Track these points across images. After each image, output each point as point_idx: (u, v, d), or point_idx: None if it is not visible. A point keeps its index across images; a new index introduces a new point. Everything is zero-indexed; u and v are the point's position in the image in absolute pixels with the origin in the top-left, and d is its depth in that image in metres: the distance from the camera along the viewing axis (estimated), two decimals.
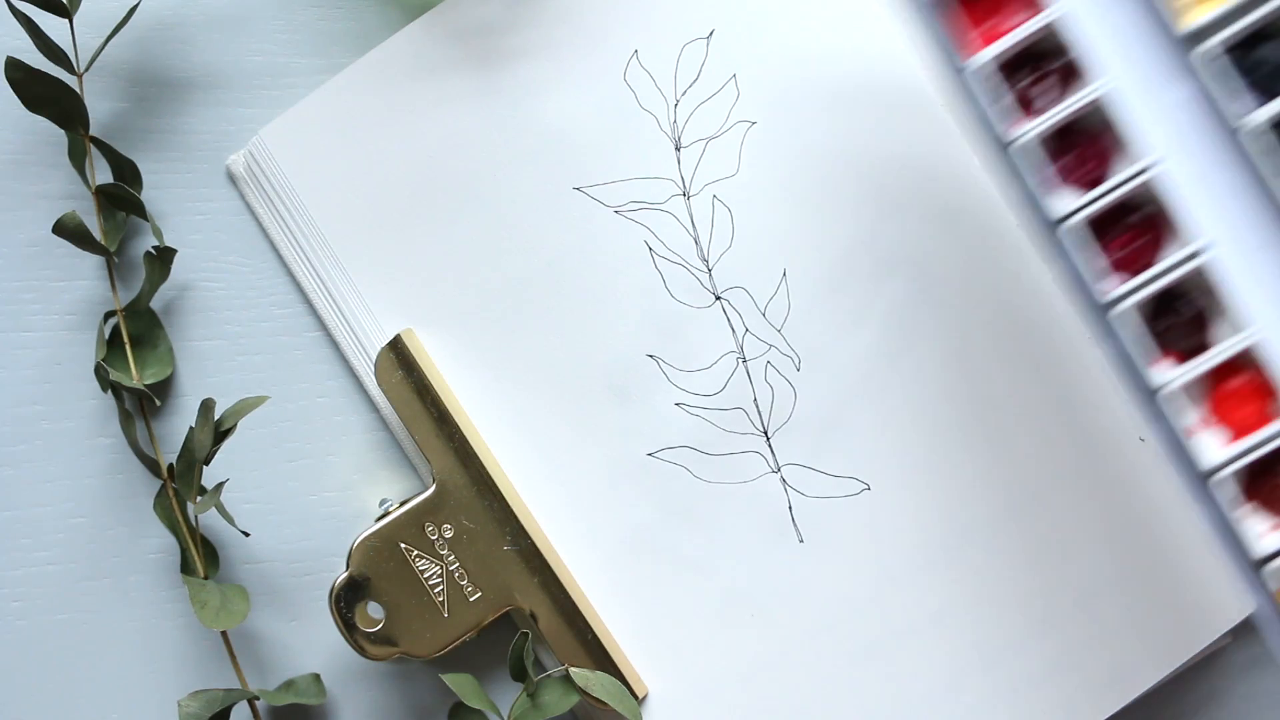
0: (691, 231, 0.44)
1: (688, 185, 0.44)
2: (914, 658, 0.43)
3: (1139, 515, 0.44)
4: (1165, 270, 0.33)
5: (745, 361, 0.44)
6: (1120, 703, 0.43)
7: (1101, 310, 0.34)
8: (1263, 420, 0.33)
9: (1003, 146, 0.34)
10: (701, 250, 0.44)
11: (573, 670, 0.42)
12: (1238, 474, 0.33)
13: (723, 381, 0.44)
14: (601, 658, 0.43)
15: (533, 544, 0.43)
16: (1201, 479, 0.34)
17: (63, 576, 0.45)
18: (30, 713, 0.44)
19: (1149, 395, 0.34)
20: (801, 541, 0.44)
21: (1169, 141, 0.33)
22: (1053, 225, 0.34)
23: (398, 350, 0.43)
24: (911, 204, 0.44)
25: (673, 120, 0.44)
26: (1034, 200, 0.34)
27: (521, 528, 0.43)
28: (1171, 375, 0.33)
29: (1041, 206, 0.34)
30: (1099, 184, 0.34)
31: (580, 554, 0.44)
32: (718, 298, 0.44)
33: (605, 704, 0.42)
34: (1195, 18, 0.33)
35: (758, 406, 0.44)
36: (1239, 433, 0.34)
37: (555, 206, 0.44)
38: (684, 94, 0.44)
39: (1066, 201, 0.34)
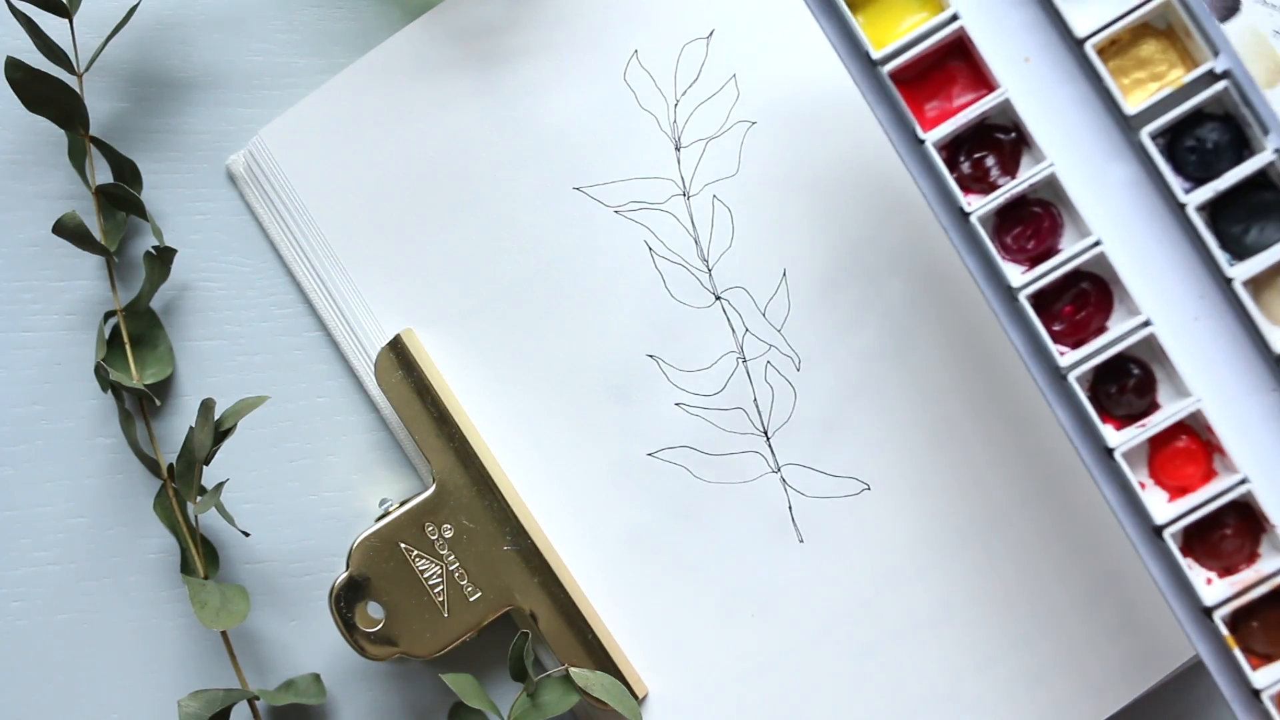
0: (691, 231, 0.44)
1: (688, 185, 0.44)
2: (913, 658, 0.43)
3: None
4: (1110, 342, 0.35)
5: (745, 361, 0.44)
6: (1120, 702, 0.43)
7: (1052, 378, 0.35)
8: (1203, 480, 0.35)
9: (963, 216, 0.35)
10: (701, 250, 0.44)
11: (573, 670, 0.42)
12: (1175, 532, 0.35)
13: (723, 381, 0.44)
14: (601, 658, 0.43)
15: (533, 544, 0.43)
16: (1154, 534, 0.35)
17: (63, 576, 0.45)
18: (30, 713, 0.44)
19: (1103, 456, 0.35)
20: (801, 541, 0.44)
21: (1112, 218, 0.35)
22: (1008, 294, 0.35)
23: (398, 350, 0.43)
24: (911, 204, 0.44)
25: (673, 120, 0.44)
26: (991, 269, 0.36)
27: (521, 528, 0.43)
28: (1122, 439, 0.35)
29: (1001, 276, 0.35)
30: (1048, 256, 0.35)
31: (580, 554, 0.44)
32: (718, 298, 0.44)
33: (605, 704, 0.42)
34: (1140, 100, 0.35)
35: (758, 406, 0.44)
36: (1178, 492, 0.36)
37: (555, 206, 0.44)
38: (684, 94, 0.44)
39: (1017, 273, 0.36)
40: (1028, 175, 0.35)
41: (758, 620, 0.44)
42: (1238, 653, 0.34)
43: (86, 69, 0.44)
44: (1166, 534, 0.35)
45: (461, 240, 0.44)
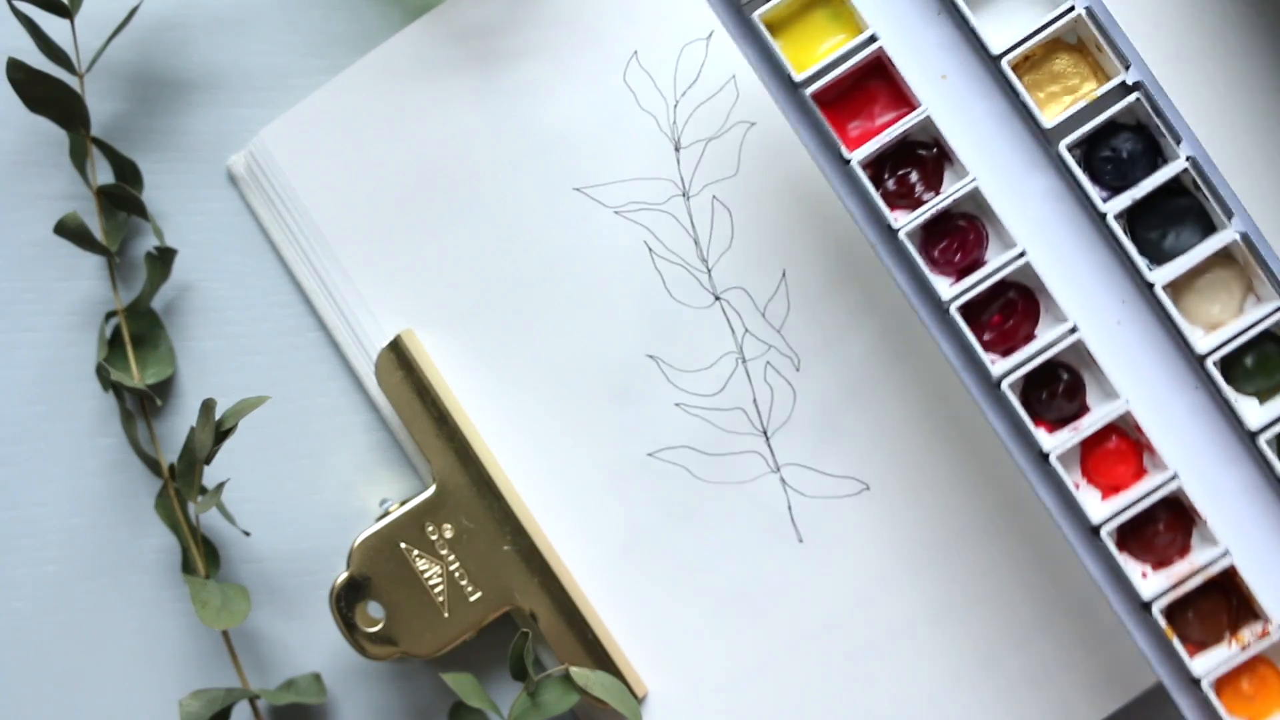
0: (691, 232, 0.44)
1: (687, 185, 0.44)
2: (913, 657, 0.43)
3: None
4: (1040, 350, 0.36)
5: (745, 361, 0.44)
6: (1120, 702, 0.43)
7: (985, 386, 0.37)
8: (1135, 478, 0.37)
9: (891, 233, 0.37)
10: (701, 250, 0.44)
11: (573, 670, 0.42)
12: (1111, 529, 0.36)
13: (722, 381, 0.44)
14: (601, 658, 0.43)
15: (533, 544, 0.43)
16: (1091, 533, 0.36)
17: (63, 576, 0.45)
18: (30, 713, 0.44)
19: (1038, 461, 0.36)
20: (801, 541, 0.44)
21: (1034, 228, 0.36)
22: (938, 307, 0.37)
23: (398, 351, 0.43)
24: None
25: (672, 121, 0.44)
26: (921, 283, 0.37)
27: (521, 528, 0.43)
28: (1055, 442, 0.36)
29: (931, 289, 0.37)
30: (974, 268, 0.36)
31: (580, 554, 0.44)
32: (717, 298, 0.44)
33: (605, 704, 0.42)
34: (1055, 114, 0.36)
35: (757, 406, 0.44)
36: (1110, 491, 0.37)
37: (555, 207, 0.44)
38: (683, 95, 0.44)
39: (946, 286, 0.37)
40: (951, 190, 0.36)
41: (758, 620, 0.44)
42: (1176, 643, 0.36)
43: (88, 69, 0.44)
44: (1103, 532, 0.36)
45: (462, 241, 0.44)
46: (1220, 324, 0.36)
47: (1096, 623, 0.43)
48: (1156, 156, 0.36)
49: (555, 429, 0.44)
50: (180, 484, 0.43)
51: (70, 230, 0.42)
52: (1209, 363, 0.36)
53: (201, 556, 0.44)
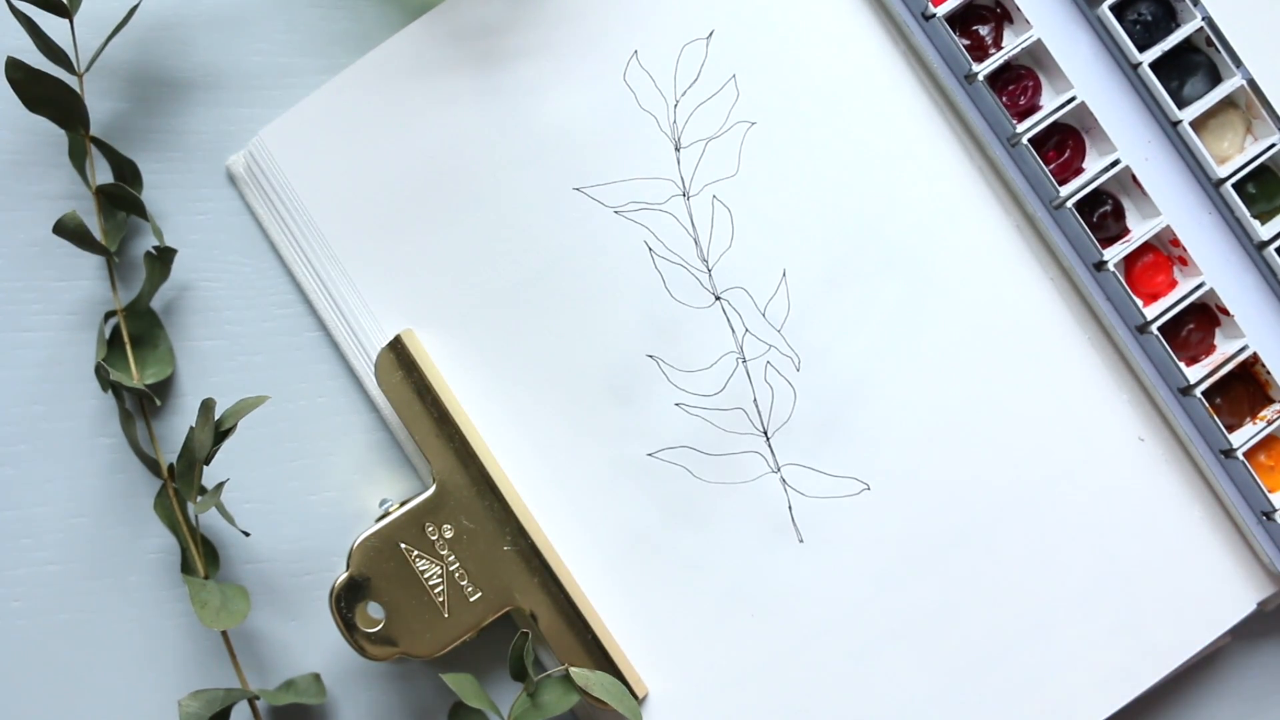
0: (691, 232, 0.44)
1: (687, 185, 0.44)
2: (914, 658, 0.43)
3: (1137, 515, 0.44)
4: (1095, 176, 0.43)
5: (745, 361, 0.44)
6: (1120, 702, 0.43)
7: (1049, 208, 0.43)
8: (1169, 287, 0.44)
9: (971, 78, 0.43)
10: (701, 250, 0.44)
11: (573, 670, 0.42)
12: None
13: (723, 381, 0.44)
14: (601, 658, 0.43)
15: (533, 544, 0.43)
16: (1140, 330, 0.43)
17: (63, 576, 0.45)
18: (30, 713, 0.44)
19: (1095, 269, 0.43)
20: (801, 541, 0.44)
21: (1080, 78, 0.44)
22: (1010, 140, 0.43)
23: (398, 350, 0.43)
24: (911, 203, 0.44)
25: (673, 120, 0.44)
26: (995, 120, 0.43)
27: (521, 528, 0.43)
28: (1111, 253, 0.43)
29: (1005, 124, 0.43)
30: (1032, 112, 0.43)
31: (580, 554, 0.44)
32: (718, 298, 0.44)
33: (605, 704, 0.42)
34: None
35: (758, 406, 0.44)
36: (1149, 299, 0.43)
37: (555, 207, 0.44)
38: (684, 94, 0.44)
39: (1015, 125, 0.43)
40: (1019, 41, 0.43)
41: (757, 620, 0.44)
42: (1215, 419, 0.42)
43: (87, 69, 0.44)
44: (1153, 328, 0.43)
45: (462, 240, 0.44)
46: (1228, 158, 0.43)
47: (1096, 623, 0.43)
48: (1172, 21, 0.43)
49: (555, 429, 0.44)
50: (180, 484, 0.43)
51: (69, 230, 0.42)
52: (1226, 186, 0.43)
53: (201, 557, 0.44)
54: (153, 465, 0.45)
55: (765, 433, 0.44)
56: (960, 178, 0.44)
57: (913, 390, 0.44)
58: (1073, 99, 0.43)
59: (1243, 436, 0.43)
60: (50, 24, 0.44)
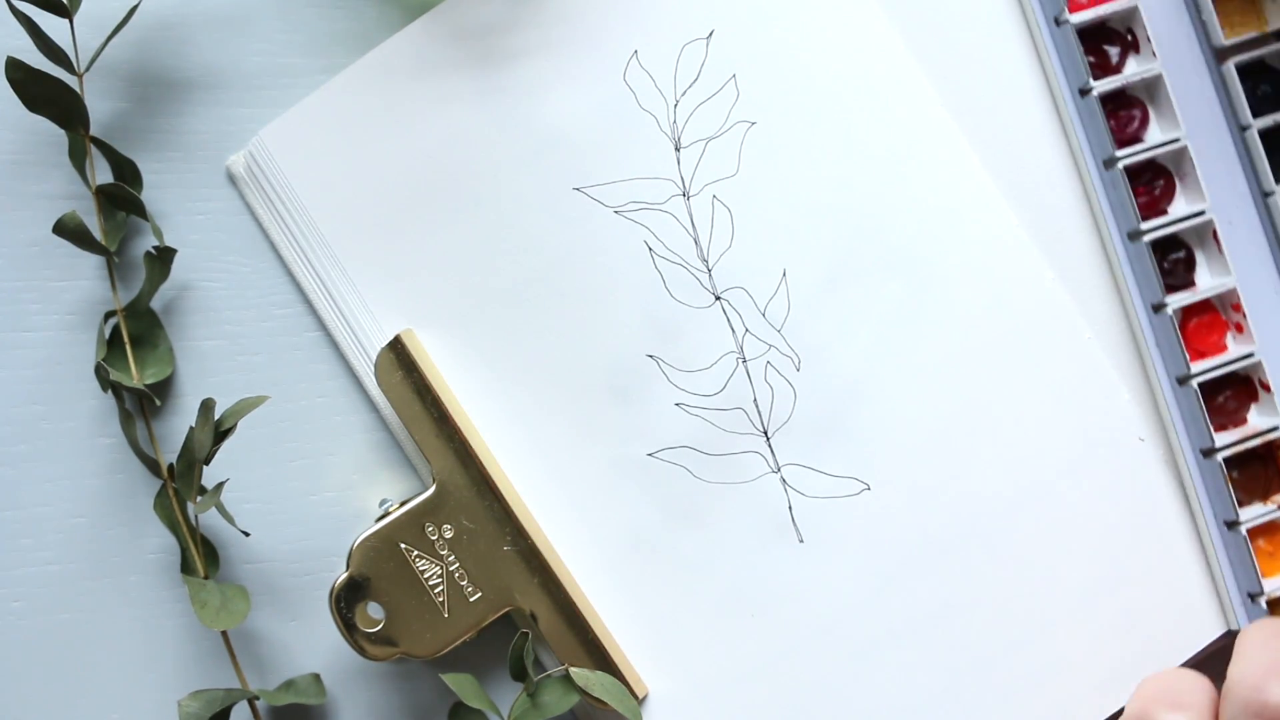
0: (691, 231, 0.44)
1: (687, 185, 0.44)
2: (914, 658, 0.43)
3: (1137, 515, 0.44)
4: (1176, 219, 0.43)
5: (745, 361, 0.44)
6: (1120, 702, 0.43)
7: (1127, 239, 0.44)
8: (1217, 350, 0.44)
9: (1083, 93, 0.44)
10: (701, 250, 0.44)
11: (573, 670, 0.42)
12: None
13: (723, 381, 0.44)
14: (601, 658, 0.43)
15: (533, 544, 0.43)
16: (1181, 381, 0.43)
17: (63, 576, 0.45)
18: (30, 713, 0.44)
19: (1155, 310, 0.44)
20: (801, 541, 0.44)
21: (1190, 123, 0.44)
22: (1108, 163, 0.44)
23: (398, 350, 0.43)
24: (911, 204, 0.44)
25: (672, 120, 0.44)
26: (1098, 137, 0.44)
27: (521, 528, 0.43)
28: (1174, 300, 0.43)
29: (1107, 145, 0.43)
30: (1134, 143, 0.44)
31: (580, 554, 0.44)
32: (718, 298, 0.44)
33: (605, 704, 0.42)
34: (1232, 35, 0.44)
35: (758, 406, 0.44)
36: (1197, 355, 0.44)
37: (555, 207, 0.44)
38: (684, 94, 0.44)
39: (1116, 149, 0.44)
40: (1144, 69, 0.43)
41: (758, 620, 0.44)
42: (1229, 488, 0.43)
43: (87, 69, 0.44)
44: (1193, 381, 0.43)
45: (462, 240, 0.44)
46: None
47: (1097, 623, 0.43)
48: None
49: (555, 429, 0.44)
50: (179, 484, 0.43)
51: (69, 230, 0.42)
52: None
53: (201, 557, 0.44)
54: (153, 465, 0.45)
55: (765, 433, 0.44)
56: (961, 178, 0.44)
57: (913, 390, 0.44)
58: (1178, 140, 0.43)
59: (1252, 513, 0.43)
60: (50, 24, 0.44)
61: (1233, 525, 0.43)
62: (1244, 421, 0.44)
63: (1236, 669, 0.38)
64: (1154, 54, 0.43)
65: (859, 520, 0.44)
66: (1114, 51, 0.44)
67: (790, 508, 0.44)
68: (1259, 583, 0.42)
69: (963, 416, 0.44)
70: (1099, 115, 0.43)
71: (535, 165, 0.44)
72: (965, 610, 0.43)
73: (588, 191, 0.44)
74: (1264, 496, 0.44)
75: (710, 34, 0.44)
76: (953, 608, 0.43)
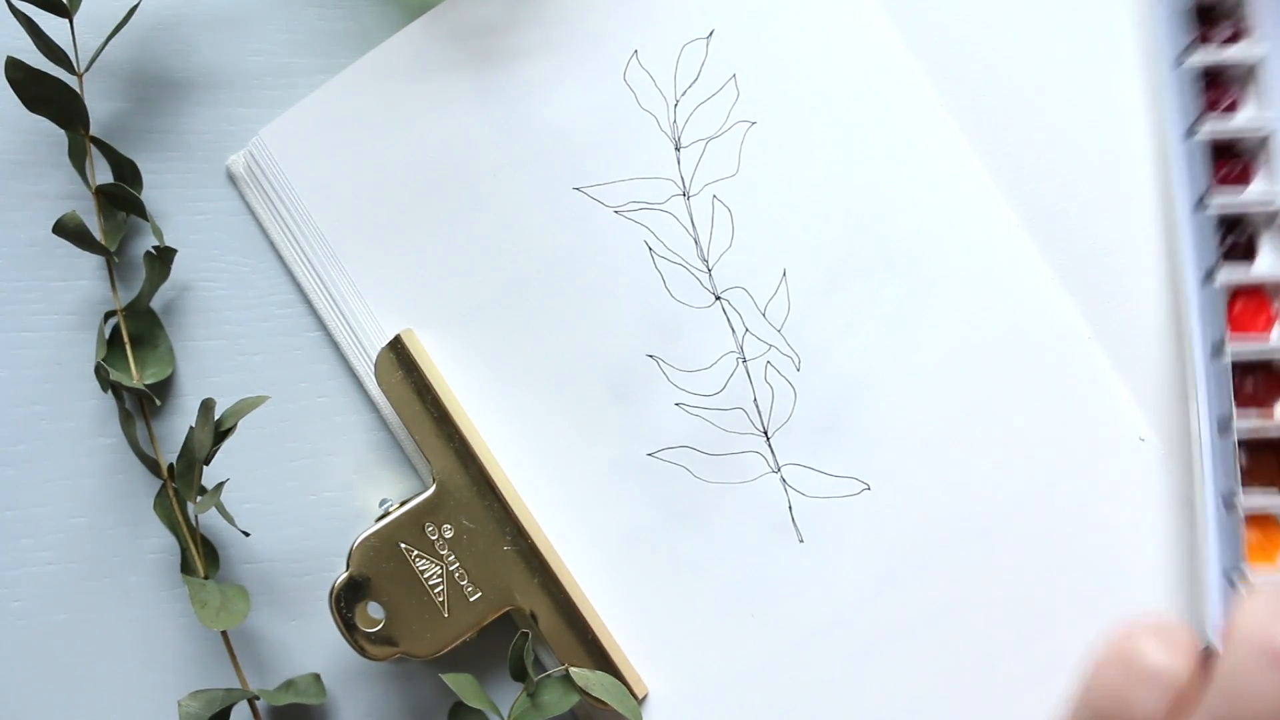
0: (691, 231, 0.44)
1: (688, 185, 0.44)
2: (914, 658, 0.43)
3: (1137, 515, 0.44)
4: (1249, 201, 0.43)
5: (745, 361, 0.44)
6: None
7: (1197, 213, 0.44)
8: (1259, 333, 0.44)
9: (1179, 60, 0.44)
10: (701, 250, 0.44)
11: (573, 670, 0.42)
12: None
13: (723, 381, 0.44)
14: (601, 658, 0.43)
15: (533, 544, 0.43)
16: (1216, 350, 0.43)
17: (63, 576, 0.45)
18: (30, 713, 0.44)
19: (1207, 279, 0.43)
20: (801, 541, 0.44)
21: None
22: (1188, 131, 0.44)
23: (398, 350, 0.43)
24: (911, 204, 0.44)
25: (673, 120, 0.44)
26: (1189, 110, 0.44)
27: (521, 528, 0.43)
28: (1226, 275, 0.43)
29: (1192, 115, 0.44)
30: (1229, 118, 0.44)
31: (580, 554, 0.44)
32: (718, 298, 0.44)
33: (605, 704, 0.42)
34: None
35: (758, 406, 0.44)
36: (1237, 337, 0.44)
37: (555, 207, 0.44)
38: (684, 94, 0.44)
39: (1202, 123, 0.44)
40: (1248, 48, 0.43)
41: (758, 620, 0.44)
42: (1238, 465, 0.42)
43: (86, 69, 0.44)
44: (1227, 351, 0.43)
45: (461, 240, 0.44)
46: None
47: (1097, 624, 0.43)
48: None
49: (555, 429, 0.44)
50: (179, 484, 0.43)
51: (69, 230, 0.42)
52: None
53: (200, 557, 0.44)
54: (153, 465, 0.45)
55: (765, 433, 0.44)
56: (962, 177, 0.44)
57: (913, 390, 0.44)
58: (1268, 126, 0.43)
59: (1253, 500, 0.43)
60: (50, 24, 0.44)
61: (1231, 505, 0.42)
62: (1269, 412, 0.44)
63: (1243, 611, 0.37)
64: (1266, 34, 0.43)
65: (859, 520, 0.44)
66: (1227, 27, 0.45)
67: (790, 508, 0.44)
68: (1242, 566, 0.42)
69: (963, 416, 0.44)
70: (1192, 83, 0.44)
71: (535, 165, 0.44)
72: (965, 610, 0.43)
73: (588, 191, 0.44)
74: (1275, 483, 0.43)
75: (710, 34, 0.44)
76: (952, 608, 0.43)
